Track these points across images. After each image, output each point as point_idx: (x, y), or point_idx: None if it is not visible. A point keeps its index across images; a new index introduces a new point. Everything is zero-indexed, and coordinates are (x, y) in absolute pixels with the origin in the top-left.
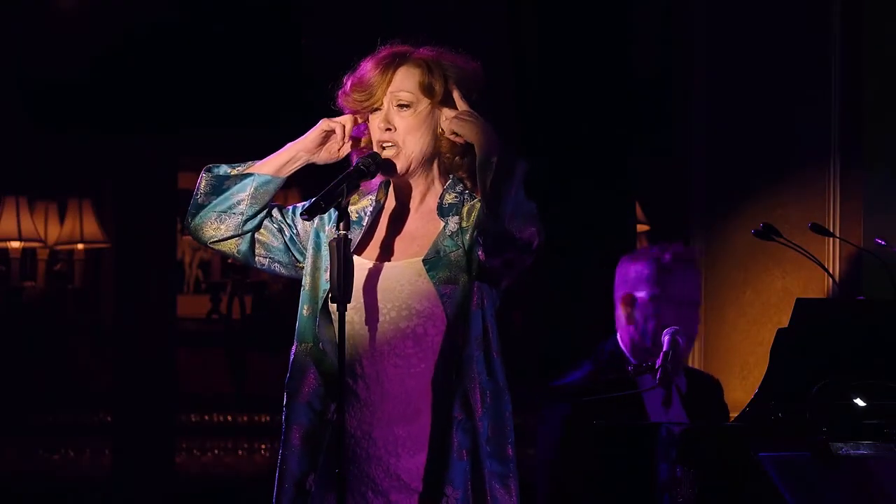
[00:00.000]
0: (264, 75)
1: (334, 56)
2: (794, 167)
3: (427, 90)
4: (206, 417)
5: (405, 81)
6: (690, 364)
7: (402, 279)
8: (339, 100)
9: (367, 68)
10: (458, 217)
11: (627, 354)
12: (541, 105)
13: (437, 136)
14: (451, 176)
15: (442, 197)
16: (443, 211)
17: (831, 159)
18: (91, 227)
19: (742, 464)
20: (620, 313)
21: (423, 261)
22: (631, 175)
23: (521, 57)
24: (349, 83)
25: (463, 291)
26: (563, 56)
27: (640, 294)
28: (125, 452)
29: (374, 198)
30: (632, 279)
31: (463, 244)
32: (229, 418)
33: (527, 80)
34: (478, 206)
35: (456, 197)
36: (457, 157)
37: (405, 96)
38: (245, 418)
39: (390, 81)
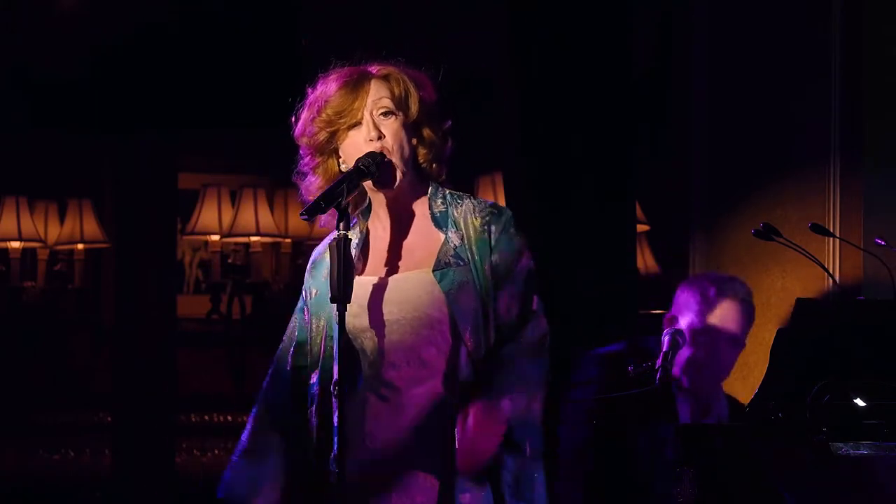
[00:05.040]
0: (264, 75)
1: (334, 56)
2: (794, 167)
3: (400, 102)
4: (206, 417)
5: (381, 91)
6: None
7: (417, 289)
8: (304, 128)
9: (333, 88)
10: (457, 230)
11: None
12: (541, 105)
13: (413, 144)
14: (430, 183)
15: (431, 207)
16: (437, 222)
17: (831, 159)
18: (91, 227)
19: (742, 464)
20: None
21: (434, 272)
22: (631, 175)
23: (521, 56)
24: (318, 105)
25: (468, 295)
26: (563, 55)
27: (682, 320)
28: (125, 452)
29: (357, 230)
30: (679, 303)
31: (468, 260)
32: (229, 418)
33: (527, 80)
34: (469, 216)
35: (442, 204)
36: (434, 164)
37: (388, 103)
38: (245, 418)
39: (368, 93)
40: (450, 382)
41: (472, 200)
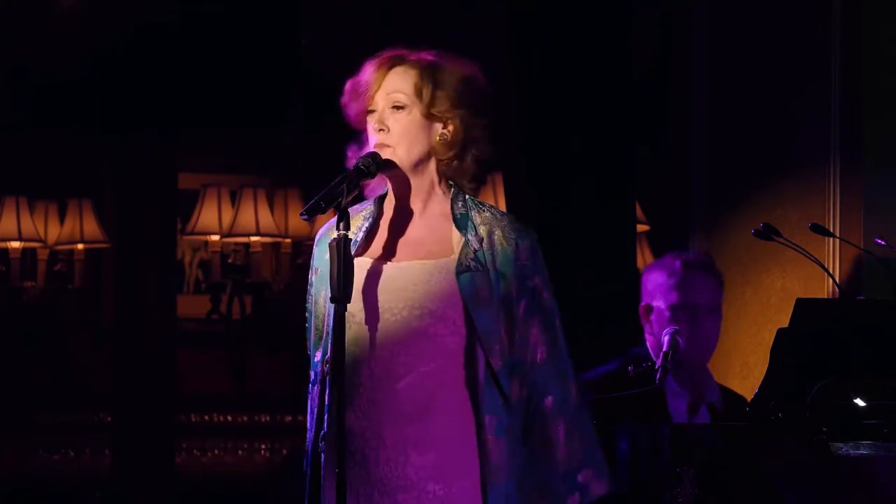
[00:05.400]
0: (264, 75)
1: (334, 56)
2: (794, 167)
3: (421, 94)
4: (206, 417)
5: (399, 82)
6: None
7: (416, 280)
8: (343, 107)
9: (365, 69)
10: (476, 234)
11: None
12: (541, 105)
13: (432, 140)
14: (450, 182)
15: (452, 207)
16: (458, 222)
17: (831, 159)
18: (91, 227)
19: (742, 464)
20: (643, 323)
21: (457, 272)
22: (631, 175)
23: (521, 56)
24: (348, 84)
25: (486, 299)
26: (563, 55)
27: (657, 304)
28: (125, 452)
29: (370, 211)
30: (650, 289)
31: (485, 264)
32: (229, 418)
33: (527, 80)
34: (494, 223)
35: (463, 206)
36: (455, 161)
37: (399, 97)
38: (245, 418)
39: (384, 82)
40: (450, 378)
41: (495, 210)
